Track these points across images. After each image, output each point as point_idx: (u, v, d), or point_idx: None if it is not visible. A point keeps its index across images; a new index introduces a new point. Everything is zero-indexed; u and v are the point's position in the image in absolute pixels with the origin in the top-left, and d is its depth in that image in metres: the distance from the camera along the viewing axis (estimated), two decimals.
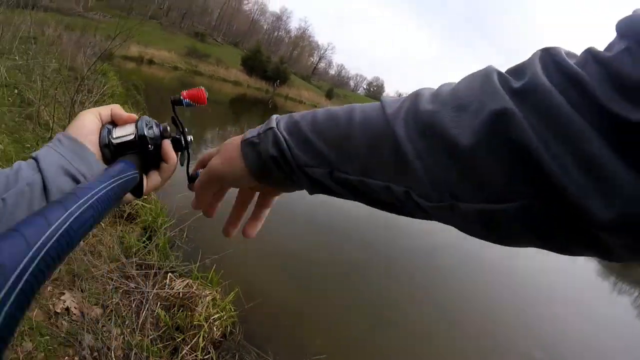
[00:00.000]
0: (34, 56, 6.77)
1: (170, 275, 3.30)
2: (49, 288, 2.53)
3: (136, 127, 0.54)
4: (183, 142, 0.59)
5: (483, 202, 0.33)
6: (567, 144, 0.28)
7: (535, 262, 8.87)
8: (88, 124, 0.53)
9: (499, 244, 0.38)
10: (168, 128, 0.57)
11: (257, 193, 0.58)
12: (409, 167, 0.37)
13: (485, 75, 0.35)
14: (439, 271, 6.80)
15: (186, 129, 0.59)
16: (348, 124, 0.43)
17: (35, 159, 0.46)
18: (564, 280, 9.27)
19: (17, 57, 6.18)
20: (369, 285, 5.36)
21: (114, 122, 0.56)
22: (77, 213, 0.31)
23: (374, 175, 0.41)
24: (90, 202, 0.34)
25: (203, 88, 0.56)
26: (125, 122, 0.56)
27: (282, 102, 28.42)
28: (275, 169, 0.47)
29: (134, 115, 0.57)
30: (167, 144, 0.57)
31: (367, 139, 0.41)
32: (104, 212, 0.36)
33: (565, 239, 0.32)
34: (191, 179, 0.57)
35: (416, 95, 0.40)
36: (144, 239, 3.81)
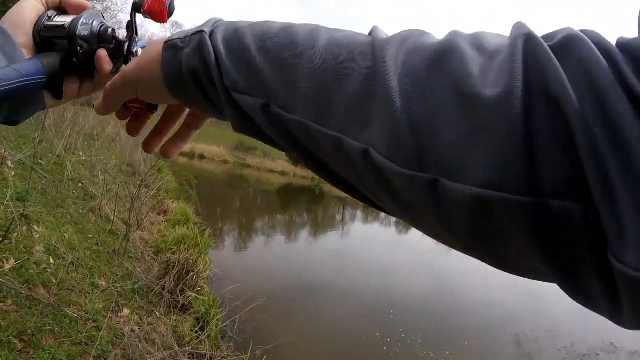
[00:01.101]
0: (96, 153, 7.45)
1: None
2: None
3: (71, 22, 0.45)
4: (125, 51, 0.49)
5: (485, 188, 0.23)
6: (606, 122, 0.21)
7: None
8: (27, 11, 0.45)
9: (473, 254, 0.28)
10: (109, 32, 0.47)
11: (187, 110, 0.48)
12: (385, 110, 0.26)
13: (515, 27, 0.27)
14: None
15: (138, 40, 0.50)
16: (309, 42, 0.32)
17: None
18: None
19: (81, 153, 6.78)
20: None
21: (63, 10, 0.48)
22: None
23: (324, 120, 0.29)
24: None
25: (167, 3, 0.47)
26: (75, 11, 0.48)
27: (329, 188, 28.92)
28: (192, 85, 0.36)
29: (87, 4, 0.49)
30: (102, 53, 0.46)
31: (330, 64, 0.30)
32: None
33: (576, 261, 0.23)
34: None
35: (422, 32, 0.30)
36: (197, 329, 3.85)
